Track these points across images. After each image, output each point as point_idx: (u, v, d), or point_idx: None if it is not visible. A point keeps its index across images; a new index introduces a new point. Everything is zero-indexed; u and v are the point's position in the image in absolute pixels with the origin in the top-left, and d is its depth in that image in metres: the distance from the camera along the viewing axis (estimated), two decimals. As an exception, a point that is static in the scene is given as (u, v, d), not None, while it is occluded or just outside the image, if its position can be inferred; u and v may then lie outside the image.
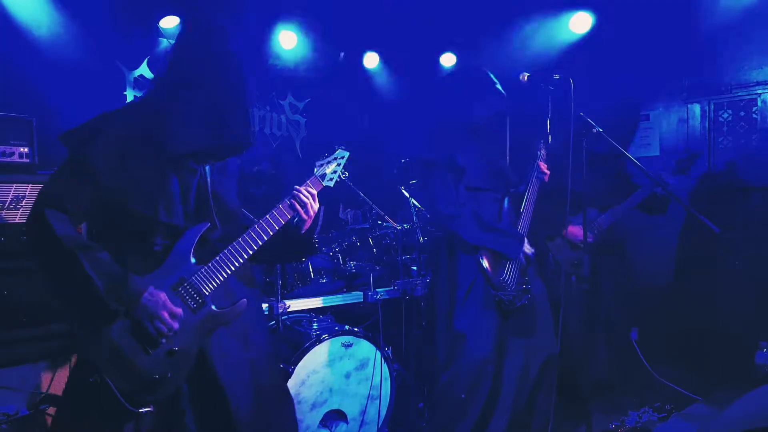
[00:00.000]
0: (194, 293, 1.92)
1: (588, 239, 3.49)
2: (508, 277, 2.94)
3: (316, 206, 2.15)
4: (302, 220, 2.14)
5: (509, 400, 2.95)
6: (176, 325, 1.85)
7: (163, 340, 1.84)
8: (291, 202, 2.10)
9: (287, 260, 3.21)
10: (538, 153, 3.17)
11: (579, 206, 2.98)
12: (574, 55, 4.71)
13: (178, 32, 1.99)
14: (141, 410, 1.80)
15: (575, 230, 3.68)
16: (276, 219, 2.08)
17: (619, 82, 4.53)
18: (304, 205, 2.11)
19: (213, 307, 1.95)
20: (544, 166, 3.14)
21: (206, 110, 1.88)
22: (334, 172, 2.28)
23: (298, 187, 2.14)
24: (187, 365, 1.90)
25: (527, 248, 3.00)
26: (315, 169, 2.25)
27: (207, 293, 1.93)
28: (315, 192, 2.16)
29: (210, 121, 1.88)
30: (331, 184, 2.27)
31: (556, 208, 3.13)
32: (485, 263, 2.92)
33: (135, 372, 1.80)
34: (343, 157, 2.31)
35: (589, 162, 2.80)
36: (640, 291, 4.59)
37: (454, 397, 2.97)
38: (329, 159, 2.29)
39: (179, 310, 1.86)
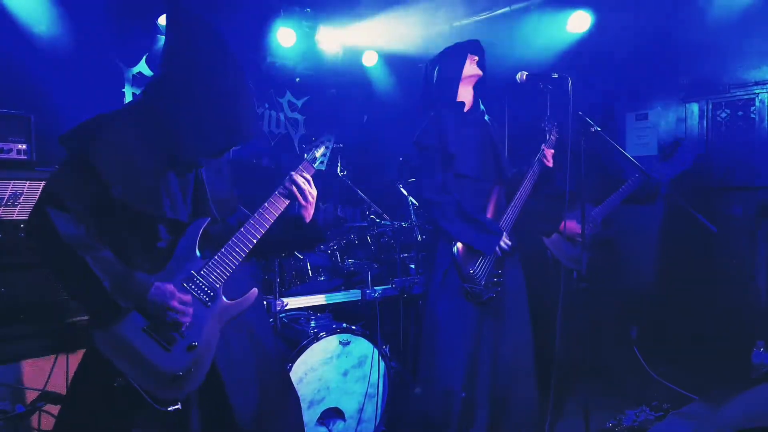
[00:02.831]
0: (205, 287, 1.91)
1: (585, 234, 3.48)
2: (479, 270, 2.91)
3: (314, 191, 2.13)
4: (303, 207, 2.12)
5: (485, 392, 2.94)
6: (190, 310, 1.84)
7: (178, 334, 1.83)
8: (286, 185, 2.09)
9: (297, 249, 3.38)
10: (548, 136, 3.09)
11: (576, 201, 2.96)
12: (572, 54, 4.71)
13: (165, 31, 1.93)
14: (170, 408, 1.79)
15: (572, 225, 3.65)
16: (274, 205, 2.06)
17: (597, 88, 4.56)
18: (301, 190, 2.08)
19: (224, 299, 1.95)
20: (549, 153, 3.05)
21: (214, 111, 1.85)
22: (324, 155, 2.28)
23: (292, 172, 2.13)
24: (209, 358, 1.90)
25: (504, 242, 2.93)
26: (305, 155, 2.25)
27: (218, 286, 1.94)
28: (309, 176, 2.14)
29: (220, 121, 1.86)
30: (323, 167, 2.28)
31: (552, 203, 3.10)
32: (457, 252, 2.90)
33: (158, 371, 1.79)
34: (330, 140, 2.31)
35: (582, 160, 2.79)
36: (637, 289, 4.59)
37: (436, 390, 2.95)
38: (317, 143, 2.30)
39: (188, 297, 1.86)
